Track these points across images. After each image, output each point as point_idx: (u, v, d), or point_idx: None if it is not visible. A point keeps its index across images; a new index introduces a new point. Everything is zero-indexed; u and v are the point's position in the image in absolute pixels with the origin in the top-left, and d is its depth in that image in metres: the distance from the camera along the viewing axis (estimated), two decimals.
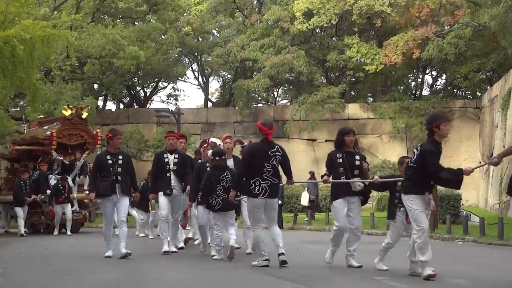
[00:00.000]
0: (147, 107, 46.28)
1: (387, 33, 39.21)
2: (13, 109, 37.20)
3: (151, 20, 40.55)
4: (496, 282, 9.00)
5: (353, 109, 38.69)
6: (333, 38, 41.95)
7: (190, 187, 12.57)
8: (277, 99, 51.07)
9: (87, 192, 21.26)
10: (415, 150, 9.20)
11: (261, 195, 10.35)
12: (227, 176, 11.74)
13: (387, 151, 37.09)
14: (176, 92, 50.17)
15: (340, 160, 10.47)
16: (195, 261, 11.85)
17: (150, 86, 48.96)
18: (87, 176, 21.72)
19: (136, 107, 46.39)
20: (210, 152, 12.32)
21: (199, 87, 50.66)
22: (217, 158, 11.90)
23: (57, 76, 33.68)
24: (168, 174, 12.90)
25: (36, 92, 23.49)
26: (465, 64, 37.16)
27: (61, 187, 21.16)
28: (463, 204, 25.53)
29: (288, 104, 47.32)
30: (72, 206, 21.67)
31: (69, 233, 21.09)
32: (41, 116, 27.58)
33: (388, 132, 37.81)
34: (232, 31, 44.06)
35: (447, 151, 36.60)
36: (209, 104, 49.13)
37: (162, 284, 8.75)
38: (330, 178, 10.63)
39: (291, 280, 8.91)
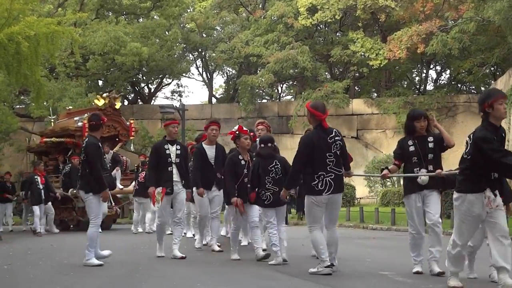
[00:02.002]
0: (152, 103, 46.35)
1: (391, 28, 39.24)
2: (17, 106, 37.30)
3: (155, 16, 40.58)
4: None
5: (357, 105, 38.68)
6: (337, 34, 42.00)
7: (227, 184, 10.86)
8: (281, 95, 51.07)
9: (121, 187, 20.93)
10: (467, 138, 7.70)
11: (326, 191, 8.79)
12: (276, 166, 10.26)
13: (391, 146, 36.98)
14: (180, 89, 50.32)
15: (413, 148, 9.04)
16: (202, 258, 11.83)
17: (154, 83, 49.00)
18: (120, 170, 21.27)
19: (140, 103, 46.46)
20: (258, 139, 11.09)
21: (203, 83, 50.73)
22: (263, 145, 10.45)
23: (61, 73, 33.76)
24: (169, 168, 11.28)
25: (40, 89, 23.42)
26: (469, 59, 37.15)
27: None
28: None
29: (292, 99, 47.30)
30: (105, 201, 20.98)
31: (100, 230, 20.32)
32: (70, 107, 27.18)
33: (392, 127, 37.79)
34: (236, 27, 44.07)
35: None
36: (214, 100, 49.16)
37: (166, 280, 8.77)
38: (392, 171, 9.32)
39: (295, 275, 8.92)
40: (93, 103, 25.28)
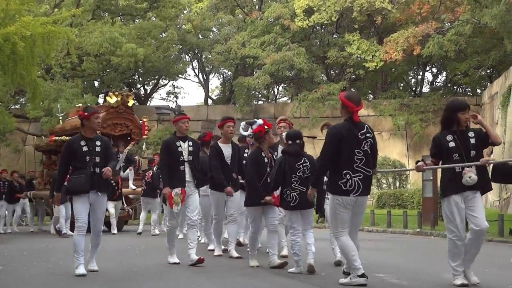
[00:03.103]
0: (147, 104, 46.27)
1: (387, 30, 39.28)
2: (13, 106, 37.24)
3: (152, 18, 40.57)
4: (497, 279, 9.00)
5: None
6: (334, 35, 42.06)
7: (252, 184, 9.99)
8: (277, 96, 51.08)
9: (134, 187, 20.51)
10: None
11: (354, 192, 7.96)
12: (304, 164, 9.44)
13: (387, 148, 37.06)
14: (176, 90, 50.26)
15: (453, 144, 7.99)
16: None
17: (150, 84, 48.95)
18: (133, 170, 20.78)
19: (136, 104, 46.34)
20: (284, 134, 10.23)
21: (199, 84, 50.70)
22: (290, 141, 9.62)
23: (57, 74, 33.71)
24: (181, 167, 10.39)
25: (36, 89, 23.36)
26: (465, 61, 37.22)
27: (114, 183, 18.67)
28: None
29: (288, 101, 47.32)
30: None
31: (115, 231, 19.35)
32: (80, 104, 26.86)
33: (388, 129, 37.82)
34: (232, 28, 44.08)
35: None
36: (210, 101, 49.12)
37: (163, 282, 8.76)
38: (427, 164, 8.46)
39: (291, 276, 8.91)
40: (80, 105, 24.76)
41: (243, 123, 12.15)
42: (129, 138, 21.68)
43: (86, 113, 9.62)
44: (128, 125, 21.48)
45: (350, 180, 7.92)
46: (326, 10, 37.49)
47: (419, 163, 8.43)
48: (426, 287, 8.03)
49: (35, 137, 29.84)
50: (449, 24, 35.63)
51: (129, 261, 11.25)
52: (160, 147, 10.68)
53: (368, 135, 8.08)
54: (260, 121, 10.57)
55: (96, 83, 42.94)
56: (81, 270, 9.23)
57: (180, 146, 10.45)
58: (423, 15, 35.60)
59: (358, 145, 7.99)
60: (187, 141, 10.57)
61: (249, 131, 10.37)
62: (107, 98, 21.56)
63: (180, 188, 10.30)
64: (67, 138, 20.52)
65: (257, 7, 44.67)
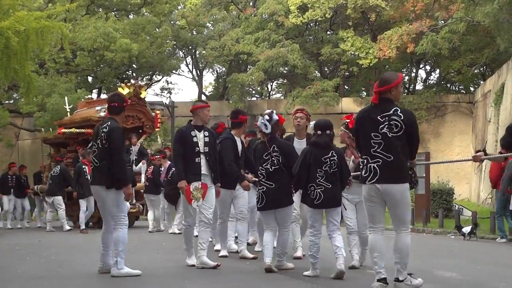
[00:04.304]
0: None
1: (381, 27, 39.29)
2: (6, 102, 37.19)
3: (146, 13, 40.52)
4: (488, 276, 9.05)
5: (347, 103, 38.72)
6: (328, 32, 42.02)
7: (301, 181, 8.90)
8: (271, 93, 51.06)
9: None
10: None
11: (369, 179, 7.26)
12: (332, 158, 8.60)
13: None
14: (170, 85, 50.13)
15: None
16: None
17: (144, 79, 48.79)
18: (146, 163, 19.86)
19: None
20: (312, 124, 9.43)
21: (193, 80, 50.64)
22: (320, 132, 8.80)
23: (51, 69, 33.66)
24: (197, 159, 9.63)
25: (30, 84, 23.31)
26: (459, 59, 37.25)
27: None
28: (455, 198, 25.64)
29: (282, 97, 47.30)
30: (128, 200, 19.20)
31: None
32: (89, 96, 26.43)
33: None
34: (226, 24, 43.99)
35: (440, 145, 36.73)
36: (203, 97, 49.04)
37: (154, 277, 8.76)
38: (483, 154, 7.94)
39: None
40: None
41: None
42: (140, 131, 21.01)
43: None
44: (140, 118, 20.82)
45: (366, 166, 7.26)
46: (320, 7, 37.48)
47: (479, 153, 8.02)
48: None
49: (42, 129, 29.41)
50: (442, 22, 35.67)
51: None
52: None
53: (393, 117, 7.21)
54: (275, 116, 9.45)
55: (90, 78, 42.84)
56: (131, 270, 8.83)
57: (196, 136, 9.69)
58: (417, 12, 35.62)
59: (375, 129, 7.23)
60: (202, 131, 9.80)
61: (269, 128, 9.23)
62: (119, 89, 20.61)
63: (200, 182, 9.60)
64: (77, 130, 20.29)
65: (251, 4, 44.63)
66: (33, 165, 28.02)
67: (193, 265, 9.65)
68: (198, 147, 9.64)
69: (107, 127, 8.77)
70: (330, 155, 8.58)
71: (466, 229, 16.37)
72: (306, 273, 8.76)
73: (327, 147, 8.65)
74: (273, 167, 9.05)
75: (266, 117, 9.26)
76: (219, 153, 10.23)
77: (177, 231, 16.58)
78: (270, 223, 9.17)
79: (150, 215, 18.88)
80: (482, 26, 30.85)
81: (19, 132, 37.90)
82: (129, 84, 20.85)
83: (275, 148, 9.12)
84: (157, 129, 21.92)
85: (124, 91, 20.11)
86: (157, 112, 21.52)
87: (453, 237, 17.23)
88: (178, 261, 10.28)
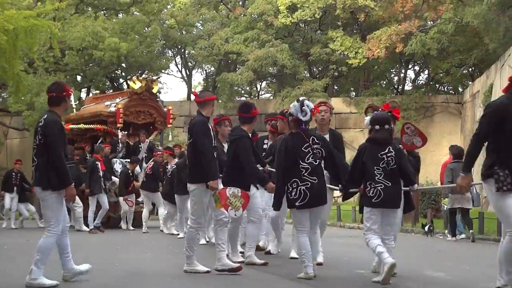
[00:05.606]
0: None
1: (370, 27, 39.38)
2: None
3: (135, 12, 40.44)
4: (477, 276, 9.08)
5: (336, 103, 38.67)
6: (317, 32, 42.10)
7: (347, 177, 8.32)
8: (260, 93, 51.09)
9: None
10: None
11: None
12: (389, 155, 7.90)
13: None
14: (159, 85, 50.03)
15: None
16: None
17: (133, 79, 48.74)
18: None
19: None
20: (367, 119, 8.33)
21: (182, 80, 50.61)
22: (378, 126, 8.06)
23: (40, 67, 33.54)
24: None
25: (19, 83, 23.22)
26: (448, 59, 37.41)
27: (131, 173, 17.68)
28: (444, 199, 25.68)
29: (271, 97, 47.34)
30: (137, 197, 18.49)
31: (131, 227, 18.18)
32: (97, 92, 26.04)
33: None
34: (216, 24, 43.99)
35: (429, 145, 36.60)
36: (192, 97, 49.02)
37: (147, 277, 8.75)
38: None
39: (272, 272, 8.93)
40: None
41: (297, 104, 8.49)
42: (151, 127, 20.42)
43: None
44: (152, 113, 20.13)
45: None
46: (309, 7, 37.56)
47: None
48: (407, 283, 8.08)
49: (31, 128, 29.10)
50: (431, 22, 35.82)
51: (111, 256, 11.22)
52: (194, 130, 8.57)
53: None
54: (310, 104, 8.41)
55: (79, 78, 42.67)
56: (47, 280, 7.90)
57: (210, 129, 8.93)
58: (406, 13, 35.75)
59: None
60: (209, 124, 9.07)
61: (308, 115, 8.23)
62: (130, 83, 20.19)
63: (239, 189, 9.00)
64: (85, 126, 19.61)
65: (240, 3, 44.70)
66: (22, 164, 27.89)
67: (208, 271, 8.77)
68: (214, 140, 8.94)
69: (43, 120, 7.79)
70: (387, 151, 7.88)
71: (427, 227, 17.82)
72: (375, 279, 8.01)
73: (385, 143, 7.94)
74: (317, 160, 8.18)
75: (307, 102, 8.32)
76: (235, 153, 9.42)
77: (175, 232, 16.21)
78: (306, 224, 8.21)
79: (145, 213, 17.96)
80: (471, 26, 30.98)
81: (7, 131, 37.74)
82: (140, 78, 20.19)
83: (316, 140, 8.26)
84: (169, 125, 21.18)
85: (136, 85, 19.61)
86: (170, 108, 20.82)
87: (441, 237, 17.28)
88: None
